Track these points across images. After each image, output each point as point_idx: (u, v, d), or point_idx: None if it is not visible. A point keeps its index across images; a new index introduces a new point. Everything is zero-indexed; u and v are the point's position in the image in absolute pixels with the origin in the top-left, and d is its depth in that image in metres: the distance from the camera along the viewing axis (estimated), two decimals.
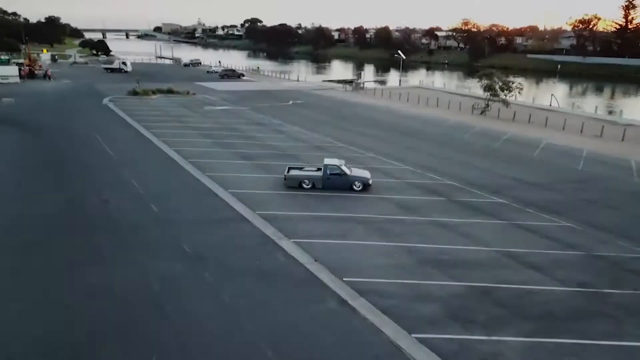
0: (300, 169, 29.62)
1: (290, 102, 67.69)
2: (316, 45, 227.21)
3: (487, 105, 60.33)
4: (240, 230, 22.48)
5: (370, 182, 28.33)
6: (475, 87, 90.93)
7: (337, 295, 17.25)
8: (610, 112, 68.00)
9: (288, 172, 28.79)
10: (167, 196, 26.55)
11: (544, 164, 36.71)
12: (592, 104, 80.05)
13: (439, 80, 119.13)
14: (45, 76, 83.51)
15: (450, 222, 24.00)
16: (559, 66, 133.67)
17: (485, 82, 59.42)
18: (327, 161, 28.64)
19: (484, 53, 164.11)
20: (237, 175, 30.72)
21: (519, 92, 58.38)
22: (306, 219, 23.75)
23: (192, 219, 23.49)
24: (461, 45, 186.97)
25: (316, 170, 29.37)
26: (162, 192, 27.11)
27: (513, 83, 57.78)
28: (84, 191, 27.20)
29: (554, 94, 75.38)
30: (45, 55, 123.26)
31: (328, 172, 28.05)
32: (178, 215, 23.87)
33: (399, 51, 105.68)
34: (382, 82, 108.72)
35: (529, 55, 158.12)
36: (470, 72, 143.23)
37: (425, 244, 21.41)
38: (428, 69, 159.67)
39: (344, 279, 18.25)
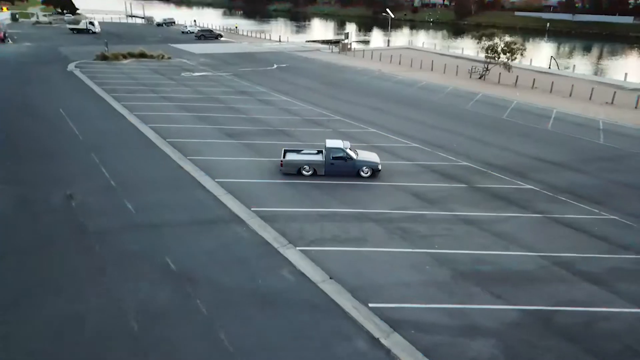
0: (298, 151, 25.64)
1: (275, 66, 62.72)
2: (295, 2, 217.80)
3: (487, 68, 56.43)
4: (234, 235, 18.66)
5: (380, 167, 24.54)
6: (467, 47, 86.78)
7: (364, 330, 13.75)
8: (599, 73, 64.88)
9: (285, 156, 24.80)
10: (145, 189, 22.43)
11: (562, 139, 33.36)
12: (590, 65, 76.85)
13: (427, 40, 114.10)
14: (5, 39, 76.12)
15: (479, 218, 20.54)
16: (547, 24, 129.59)
17: (486, 43, 55.25)
18: (329, 143, 24.68)
19: (470, 11, 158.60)
20: (225, 159, 26.61)
21: (522, 55, 54.46)
22: (312, 218, 20.01)
23: (176, 221, 19.54)
24: (446, 2, 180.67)
25: (316, 154, 25.45)
26: (138, 184, 22.96)
27: (515, 44, 53.76)
28: (43, 184, 22.86)
29: (553, 56, 71.74)
30: (4, 14, 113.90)
31: (331, 156, 24.14)
32: (159, 216, 19.89)
33: (387, 9, 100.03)
34: (366, 42, 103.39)
35: (516, 13, 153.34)
36: (456, 31, 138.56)
37: (458, 250, 17.95)
38: (412, 27, 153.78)
39: (370, 304, 14.74)
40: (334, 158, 24.19)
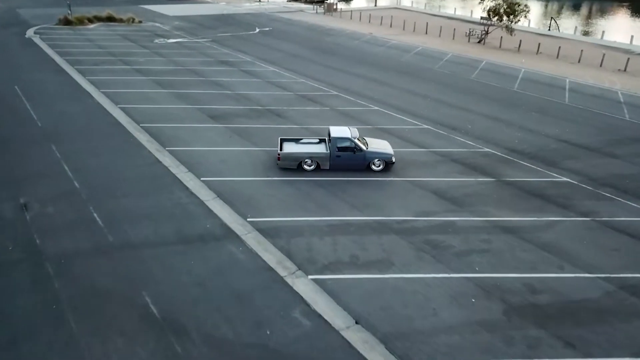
0: (297, 141, 21.91)
1: (257, 30, 57.74)
2: None
3: (486, 31, 52.49)
4: (229, 257, 15.12)
5: (394, 159, 21.00)
6: (459, 7, 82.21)
7: None
8: (602, 35, 61.51)
9: (282, 148, 21.07)
10: (116, 192, 18.59)
11: (584, 115, 30.15)
12: (588, 26, 73.34)
13: None
14: None
15: (518, 224, 17.34)
16: None
17: (488, 3, 51.10)
18: (334, 131, 20.96)
19: None
20: (210, 149, 22.73)
21: (525, 17, 50.57)
22: (321, 230, 16.54)
23: (156, 239, 15.88)
24: None
25: (318, 143, 21.78)
26: (108, 186, 19.09)
27: (519, 5, 49.76)
28: None
29: (554, 17, 67.88)
30: None
31: (337, 148, 20.49)
32: (135, 232, 16.19)
33: None
34: (350, 0, 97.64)
35: None
36: None
37: (503, 272, 14.77)
38: None
39: None
40: (340, 149, 20.56)
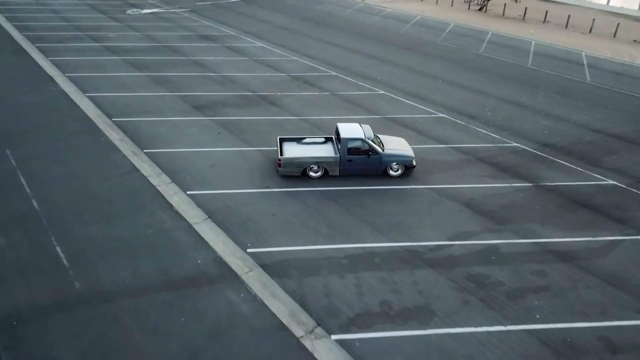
0: (299, 140, 18.55)
1: None
2: None
3: None
4: (229, 309, 12.00)
5: (414, 162, 17.82)
6: None
7: None
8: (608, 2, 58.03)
9: (283, 151, 17.72)
10: (84, 216, 15.18)
11: (611, 97, 27.25)
12: None
13: None
14: None
15: (573, 247, 14.49)
16: None
17: None
18: (344, 130, 17.62)
19: None
20: (195, 151, 19.27)
21: None
22: (340, 265, 13.46)
23: (135, 285, 12.63)
24: None
25: (324, 143, 18.48)
26: (74, 206, 15.64)
27: None
28: None
29: None
30: None
31: (348, 150, 17.22)
32: (108, 275, 12.92)
33: None
34: None
35: None
36: None
37: (570, 322, 11.98)
38: None
39: None
40: (351, 152, 17.30)
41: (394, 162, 17.51)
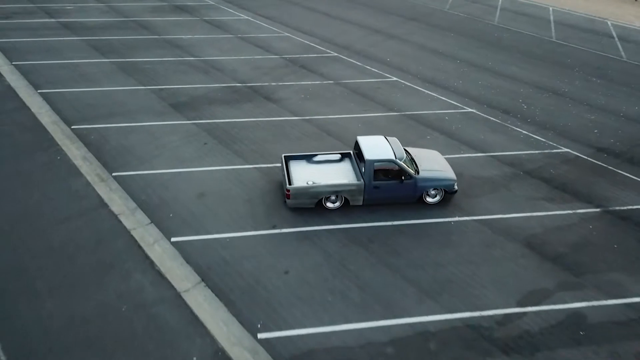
0: (309, 159, 14.72)
1: None
2: None
3: None
4: None
5: (456, 185, 14.19)
6: None
7: None
8: None
9: (290, 177, 13.90)
10: (37, 286, 11.39)
11: None
12: None
13: None
14: None
15: None
16: None
17: None
18: (368, 148, 13.85)
19: None
20: (178, 172, 15.32)
21: None
22: (385, 356, 9.96)
23: None
24: None
25: (340, 161, 14.68)
26: (22, 269, 11.78)
27: None
28: None
29: None
30: None
31: (373, 173, 13.47)
32: None
33: None
34: None
35: None
36: None
37: None
38: None
39: None
40: (378, 176, 13.58)
41: (431, 187, 13.85)
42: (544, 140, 17.84)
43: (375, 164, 13.46)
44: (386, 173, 13.61)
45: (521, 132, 18.32)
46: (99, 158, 15.84)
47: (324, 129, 17.97)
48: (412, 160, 14.33)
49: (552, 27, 30.17)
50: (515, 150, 17.08)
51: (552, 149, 17.27)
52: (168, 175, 15.11)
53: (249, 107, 19.32)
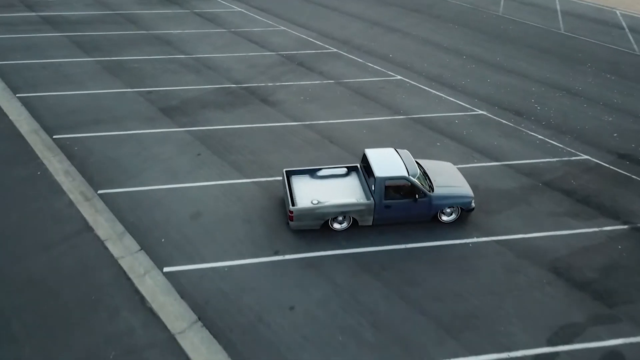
0: (313, 174, 13.51)
1: None
2: None
3: None
4: None
5: (474, 203, 13.06)
6: None
7: None
8: None
9: (293, 196, 12.70)
10: (13, 329, 10.20)
11: None
12: None
13: None
14: None
15: None
16: None
17: None
18: (377, 163, 12.68)
19: None
20: (169, 188, 14.09)
21: None
22: None
23: None
24: None
25: (346, 175, 13.49)
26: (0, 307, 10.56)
27: None
28: None
29: None
30: None
31: (384, 192, 12.28)
32: None
33: None
34: None
35: None
36: None
37: None
38: None
39: None
40: (390, 195, 12.40)
41: (447, 205, 12.71)
42: (561, 146, 16.72)
43: (386, 181, 12.27)
44: (398, 190, 12.44)
45: (536, 137, 17.17)
46: (83, 173, 14.54)
47: (326, 135, 16.73)
48: (425, 175, 13.17)
49: (560, 18, 28.91)
50: (532, 158, 15.95)
51: (571, 156, 16.16)
52: (159, 192, 13.86)
53: (245, 112, 18.02)
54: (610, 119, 18.55)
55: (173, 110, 17.92)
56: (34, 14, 26.38)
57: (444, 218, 13.02)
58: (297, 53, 23.04)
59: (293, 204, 12.41)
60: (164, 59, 21.92)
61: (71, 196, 13.63)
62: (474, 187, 14.46)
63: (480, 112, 18.60)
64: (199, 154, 15.56)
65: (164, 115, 17.55)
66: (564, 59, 23.45)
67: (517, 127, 17.73)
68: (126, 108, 17.93)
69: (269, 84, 20.04)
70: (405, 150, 13.44)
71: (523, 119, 18.26)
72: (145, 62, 21.51)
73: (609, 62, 23.37)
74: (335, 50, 23.60)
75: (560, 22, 28.41)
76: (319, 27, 26.41)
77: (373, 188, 12.38)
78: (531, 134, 17.33)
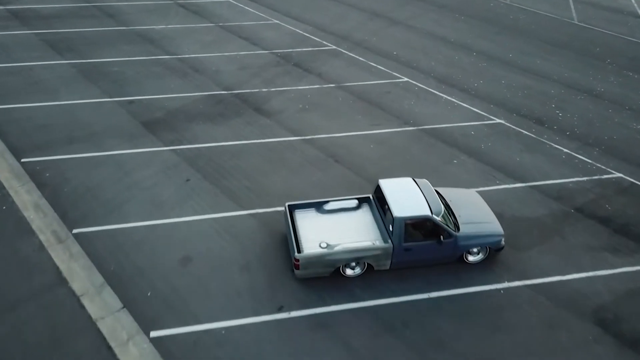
0: (319, 207, 11.82)
1: None
2: None
3: None
4: None
5: (504, 240, 11.45)
6: None
7: None
8: None
9: (298, 240, 11.00)
10: None
11: None
12: None
13: None
14: None
15: None
16: None
17: None
18: (394, 199, 11.02)
19: None
20: (152, 224, 12.33)
21: None
22: None
23: None
24: None
25: (357, 208, 11.80)
26: None
27: None
28: None
29: None
30: None
31: (403, 233, 10.60)
32: None
33: None
34: None
35: None
36: None
37: None
38: None
39: None
40: (410, 236, 10.73)
41: (474, 245, 11.11)
42: (589, 161, 15.12)
43: (404, 221, 10.60)
44: (420, 231, 10.79)
45: (562, 150, 15.55)
46: (55, 206, 12.70)
47: (329, 152, 14.97)
48: (448, 210, 11.52)
49: (572, 6, 27.06)
50: (560, 178, 14.34)
51: (602, 174, 14.58)
52: (143, 230, 12.09)
53: (237, 124, 16.15)
54: (634, 125, 16.97)
55: (157, 124, 16.01)
56: (1, 7, 24.01)
57: (471, 258, 11.43)
58: (292, 51, 21.07)
59: (299, 250, 10.73)
60: (147, 60, 19.86)
61: (42, 237, 11.83)
62: (498, 216, 12.86)
63: (498, 120, 16.90)
64: (187, 180, 13.76)
65: (147, 132, 15.65)
66: (581, 54, 21.72)
67: (539, 138, 16.07)
68: (105, 122, 15.99)
69: (263, 90, 18.14)
70: (425, 180, 11.75)
71: (545, 128, 16.60)
72: (125, 64, 19.46)
73: (629, 58, 21.69)
74: (334, 47, 21.64)
75: (573, 10, 26.57)
76: (314, 19, 24.35)
77: (391, 229, 10.71)
78: (555, 147, 15.69)
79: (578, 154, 15.38)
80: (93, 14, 23.81)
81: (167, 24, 23.08)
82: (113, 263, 11.20)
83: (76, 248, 11.68)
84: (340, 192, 13.42)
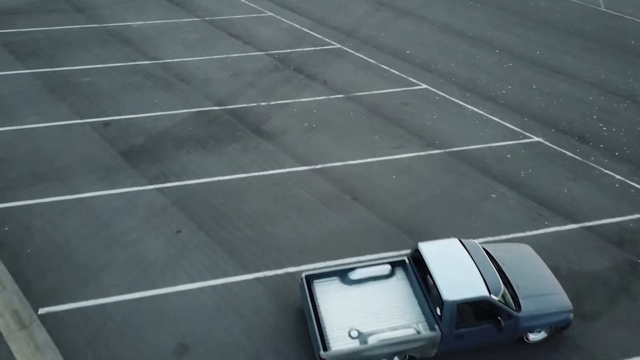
0: (342, 275, 9.54)
1: None
2: None
3: None
4: None
5: (572, 315, 9.31)
6: None
7: None
8: None
9: (322, 330, 8.74)
10: None
11: None
12: None
13: None
14: None
15: None
16: None
17: None
18: (443, 279, 8.79)
19: None
20: (139, 297, 10.01)
21: None
22: None
23: None
24: None
25: (390, 276, 9.57)
26: None
27: None
28: None
29: None
30: None
31: (454, 318, 8.41)
32: None
33: None
34: None
35: None
36: None
37: None
38: None
39: None
40: (463, 321, 8.55)
41: (541, 327, 8.97)
42: None
43: (457, 306, 8.40)
44: (473, 311, 8.62)
45: (613, 177, 13.38)
46: (17, 277, 10.29)
47: (345, 187, 12.63)
48: (502, 277, 9.33)
49: (601, 3, 24.58)
50: (618, 215, 12.21)
51: None
52: (126, 306, 9.76)
53: (234, 151, 13.68)
54: None
55: (138, 153, 13.47)
56: None
57: (532, 337, 9.33)
58: (291, 52, 18.43)
59: (324, 345, 8.48)
60: (123, 67, 17.11)
61: (3, 332, 9.42)
62: (554, 271, 10.75)
63: (536, 138, 14.62)
64: (178, 231, 11.37)
65: (126, 164, 13.12)
66: (615, 50, 19.39)
67: (585, 161, 13.86)
68: (75, 152, 13.42)
69: (262, 104, 15.59)
70: (474, 242, 9.53)
71: (590, 147, 14.38)
72: (99, 72, 16.71)
73: None
74: (338, 45, 19.02)
75: (601, 3, 24.12)
76: (312, 10, 21.59)
77: (439, 313, 8.52)
78: (605, 173, 13.51)
79: (633, 182, 13.22)
80: (60, 8, 20.79)
81: (145, 19, 20.19)
82: (90, 354, 8.89)
83: (43, 335, 9.34)
84: (364, 242, 11.17)
